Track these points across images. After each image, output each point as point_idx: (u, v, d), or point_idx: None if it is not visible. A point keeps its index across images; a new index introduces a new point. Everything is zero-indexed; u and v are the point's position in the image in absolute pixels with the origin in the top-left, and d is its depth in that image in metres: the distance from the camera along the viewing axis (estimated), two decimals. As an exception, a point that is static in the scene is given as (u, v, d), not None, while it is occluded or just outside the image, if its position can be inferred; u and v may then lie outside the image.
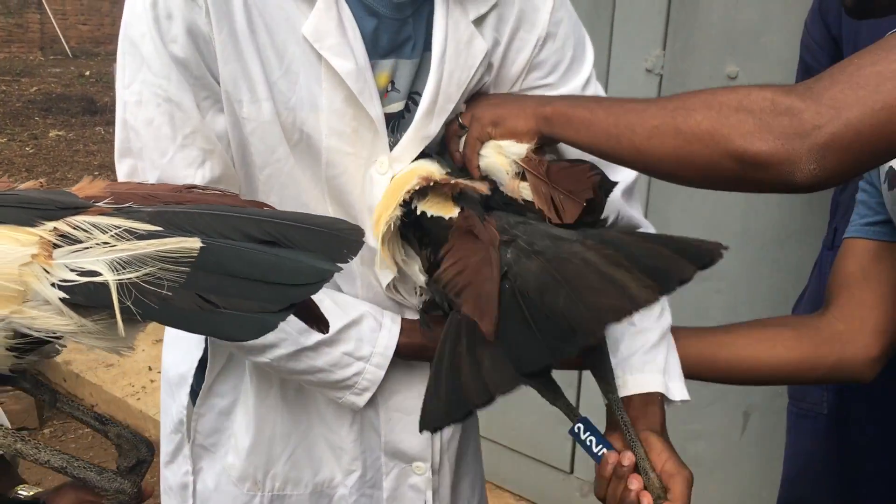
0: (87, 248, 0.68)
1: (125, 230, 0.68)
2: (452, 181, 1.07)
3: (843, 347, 1.17)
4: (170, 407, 1.26)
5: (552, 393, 1.05)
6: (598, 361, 1.06)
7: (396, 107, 1.14)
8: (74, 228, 0.69)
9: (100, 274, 0.65)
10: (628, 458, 1.02)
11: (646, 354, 1.16)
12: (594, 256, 0.91)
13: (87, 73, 12.68)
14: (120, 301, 0.64)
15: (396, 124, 1.14)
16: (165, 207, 0.73)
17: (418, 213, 1.06)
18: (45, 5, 14.34)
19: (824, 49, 1.69)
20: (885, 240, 1.18)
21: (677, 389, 1.16)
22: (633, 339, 1.16)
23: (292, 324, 1.07)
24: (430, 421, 0.93)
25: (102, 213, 0.71)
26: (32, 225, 0.69)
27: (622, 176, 1.18)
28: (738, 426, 2.33)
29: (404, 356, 1.16)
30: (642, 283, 0.85)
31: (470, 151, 1.12)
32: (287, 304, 0.67)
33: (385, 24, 1.09)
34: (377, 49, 1.10)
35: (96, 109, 10.05)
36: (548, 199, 1.05)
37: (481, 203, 1.08)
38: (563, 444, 2.67)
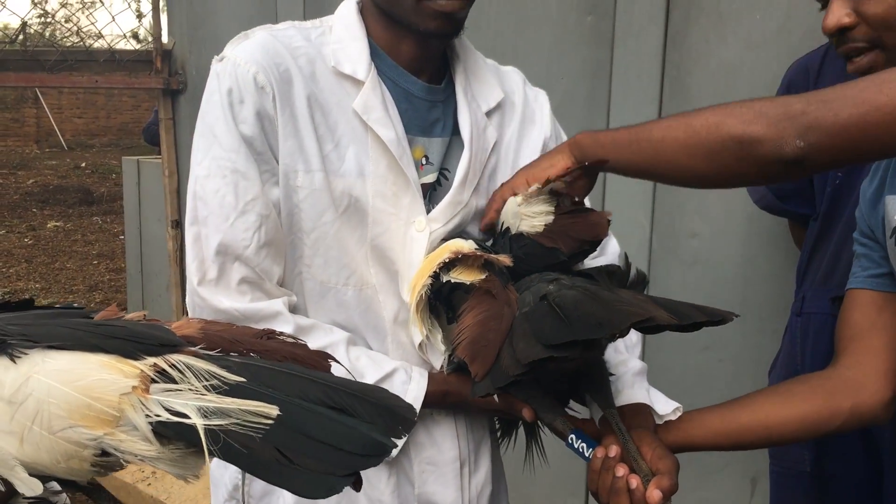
0: (180, 390, 0.76)
1: (216, 380, 0.77)
2: (479, 253, 1.21)
3: (857, 393, 1.23)
4: (222, 476, 1.35)
5: (553, 412, 1.20)
6: (598, 383, 1.21)
7: (430, 178, 1.33)
8: (171, 367, 0.78)
9: (188, 417, 0.74)
10: (613, 450, 1.15)
11: (634, 377, 1.32)
12: (625, 294, 1.09)
13: (83, 164, 12.91)
14: (208, 443, 0.73)
15: (430, 195, 1.33)
16: (250, 360, 0.83)
17: (443, 281, 1.21)
18: (42, 100, 14.66)
19: None
20: (889, 290, 1.26)
21: (661, 407, 1.29)
22: (620, 366, 1.33)
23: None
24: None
25: (197, 355, 0.80)
26: (136, 358, 0.78)
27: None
28: (747, 493, 2.39)
29: (433, 404, 1.29)
30: (662, 311, 1.02)
31: (500, 196, 1.28)
32: (352, 470, 0.75)
33: (416, 105, 1.31)
34: (411, 127, 1.30)
35: (93, 200, 10.20)
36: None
37: (507, 273, 1.22)
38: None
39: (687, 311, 1.04)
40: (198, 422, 0.73)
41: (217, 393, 0.76)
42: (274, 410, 0.76)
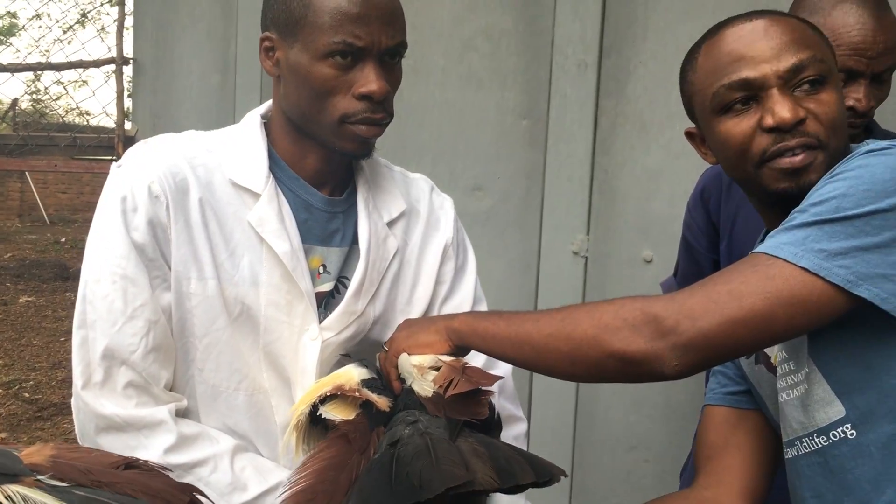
0: None
1: None
2: (357, 394, 1.20)
3: None
4: None
5: None
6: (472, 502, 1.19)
7: (327, 286, 1.35)
8: (7, 498, 0.79)
9: None
10: None
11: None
12: (466, 446, 1.07)
13: (63, 239, 12.93)
14: None
15: (327, 302, 1.35)
16: (95, 494, 0.84)
17: (318, 413, 1.19)
18: (28, 175, 14.79)
19: (704, 231, 1.87)
20: (744, 407, 1.29)
21: None
22: None
23: (213, 486, 1.20)
24: None
25: (38, 487, 0.82)
26: None
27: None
28: None
29: None
30: (487, 473, 1.01)
31: (389, 366, 1.25)
32: None
33: (316, 215, 1.34)
34: (310, 236, 1.33)
35: (68, 275, 10.16)
36: (447, 377, 1.17)
37: (383, 414, 1.19)
38: None
39: (519, 470, 1.03)
40: None
41: None
42: None
